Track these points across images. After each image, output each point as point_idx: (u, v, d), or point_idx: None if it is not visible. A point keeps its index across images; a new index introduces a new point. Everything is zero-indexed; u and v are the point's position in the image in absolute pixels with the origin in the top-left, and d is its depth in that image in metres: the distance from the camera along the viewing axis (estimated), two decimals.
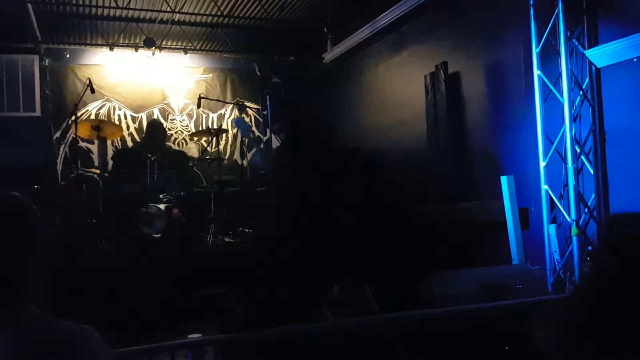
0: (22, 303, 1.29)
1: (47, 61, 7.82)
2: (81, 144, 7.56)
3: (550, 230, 4.44)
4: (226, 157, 8.40)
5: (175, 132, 8.42)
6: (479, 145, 5.50)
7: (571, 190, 4.30)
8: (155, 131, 7.28)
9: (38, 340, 1.24)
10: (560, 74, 4.38)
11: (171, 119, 8.41)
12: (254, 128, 8.78)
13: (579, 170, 4.38)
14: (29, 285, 1.32)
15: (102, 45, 7.68)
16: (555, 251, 4.38)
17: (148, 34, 7.42)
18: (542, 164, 4.51)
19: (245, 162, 8.47)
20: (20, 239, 1.32)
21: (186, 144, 8.40)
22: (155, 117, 8.25)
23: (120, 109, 8.13)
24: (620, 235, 1.34)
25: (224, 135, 8.30)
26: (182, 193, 6.20)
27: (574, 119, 4.37)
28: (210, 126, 8.39)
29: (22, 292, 1.30)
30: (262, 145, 8.53)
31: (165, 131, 7.88)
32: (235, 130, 8.59)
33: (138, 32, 7.51)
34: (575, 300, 1.40)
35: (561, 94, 4.37)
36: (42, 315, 1.30)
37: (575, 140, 4.35)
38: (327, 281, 3.95)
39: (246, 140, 8.15)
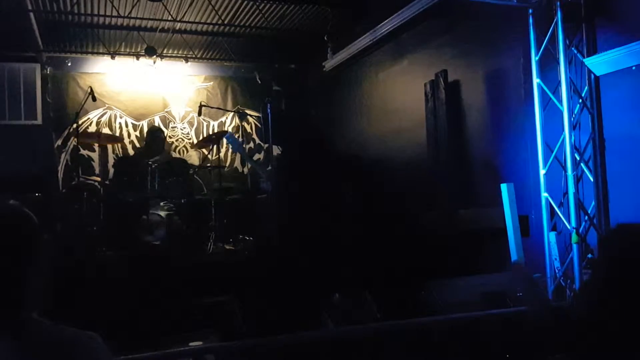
0: (24, 311, 1.30)
1: (48, 69, 7.85)
2: (82, 151, 7.56)
3: (550, 238, 4.45)
4: (227, 165, 8.41)
5: (176, 140, 8.43)
6: (479, 152, 5.51)
7: (571, 198, 4.31)
8: (155, 138, 7.32)
9: (42, 348, 1.24)
10: (559, 82, 4.40)
11: (172, 127, 8.43)
12: (254, 136, 8.80)
13: (578, 178, 4.39)
14: (30, 293, 1.32)
15: (103, 53, 7.71)
16: (556, 259, 4.39)
17: (149, 42, 7.45)
18: (542, 171, 4.53)
19: (245, 170, 8.48)
20: (19, 248, 1.32)
21: (187, 151, 8.41)
22: (157, 125, 8.27)
23: (121, 117, 8.15)
24: (622, 245, 1.36)
25: (225, 142, 8.32)
26: (182, 201, 6.20)
27: (573, 126, 4.39)
28: (211, 134, 8.41)
29: (24, 301, 1.30)
30: (259, 156, 8.55)
31: (165, 138, 7.90)
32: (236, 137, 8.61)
33: (139, 40, 7.54)
34: (577, 307, 1.42)
35: (560, 102, 4.39)
36: (44, 322, 1.31)
37: (575, 148, 4.37)
38: (328, 289, 3.95)
39: (238, 155, 8.20)
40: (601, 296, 1.36)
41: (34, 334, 1.27)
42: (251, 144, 8.76)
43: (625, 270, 1.33)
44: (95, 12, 6.80)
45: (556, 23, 4.39)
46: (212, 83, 8.69)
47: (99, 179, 7.22)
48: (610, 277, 1.36)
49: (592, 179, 4.31)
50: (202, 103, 7.39)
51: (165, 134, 8.15)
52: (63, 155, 7.78)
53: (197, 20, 7.14)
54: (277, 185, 5.76)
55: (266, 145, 8.61)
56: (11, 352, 1.22)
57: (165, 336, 3.77)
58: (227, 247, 6.12)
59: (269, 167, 6.47)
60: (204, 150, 8.24)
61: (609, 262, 1.40)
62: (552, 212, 4.51)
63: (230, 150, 8.60)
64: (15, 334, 1.25)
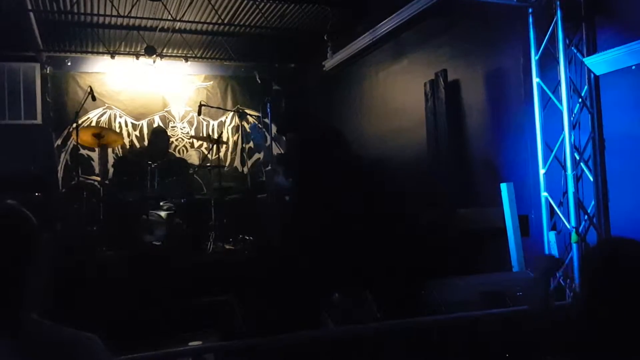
0: (23, 312, 1.29)
1: (48, 69, 7.85)
2: (82, 151, 7.57)
3: (550, 238, 4.45)
4: (227, 165, 8.42)
5: (176, 140, 8.43)
6: (479, 152, 5.51)
7: (571, 198, 4.31)
8: (159, 138, 7.32)
9: (41, 348, 1.24)
10: (559, 81, 4.40)
11: (172, 127, 8.43)
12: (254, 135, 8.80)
13: (578, 178, 4.39)
14: (29, 293, 1.32)
15: (103, 53, 7.71)
16: None
17: (149, 42, 7.45)
18: (542, 171, 4.53)
19: (245, 170, 8.48)
20: (17, 248, 1.32)
21: (187, 151, 8.42)
22: (156, 124, 8.27)
23: (121, 117, 8.15)
24: (610, 257, 1.37)
25: (225, 141, 8.32)
26: (182, 200, 6.20)
27: (573, 126, 4.39)
28: (210, 133, 8.42)
29: (22, 301, 1.30)
30: (259, 155, 8.56)
31: (169, 138, 7.91)
32: (235, 137, 8.62)
33: (139, 40, 7.54)
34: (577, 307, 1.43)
35: (560, 102, 4.39)
36: (43, 323, 1.31)
37: (574, 148, 4.37)
38: (328, 288, 3.95)
39: (258, 144, 8.20)
40: (591, 302, 1.37)
41: (33, 334, 1.27)
42: (251, 144, 8.76)
43: (613, 279, 1.34)
44: (95, 11, 6.80)
45: (556, 22, 4.39)
46: (211, 82, 8.69)
47: (98, 178, 7.23)
48: (598, 285, 1.37)
49: (591, 179, 4.31)
50: (202, 102, 7.39)
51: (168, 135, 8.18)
52: (63, 154, 7.78)
53: (196, 20, 7.14)
54: (277, 184, 5.75)
55: (266, 144, 8.62)
56: (10, 352, 1.22)
57: (165, 336, 3.77)
58: (227, 246, 6.13)
59: (269, 167, 6.46)
60: (203, 149, 8.24)
61: (600, 271, 1.41)
62: (551, 212, 4.51)
63: (230, 149, 8.61)
64: (14, 334, 1.24)
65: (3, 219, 1.34)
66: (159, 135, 7.29)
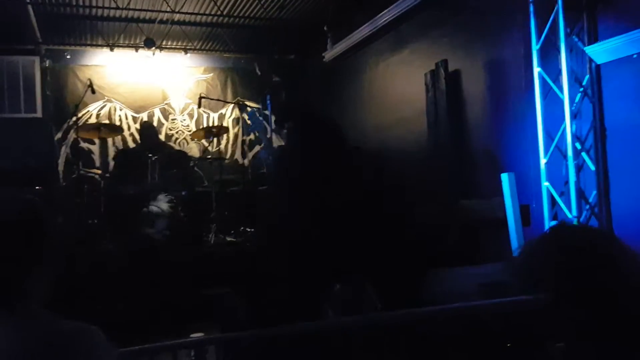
0: (29, 303, 1.30)
1: (47, 62, 7.83)
2: (82, 144, 7.57)
3: None
4: (227, 157, 8.41)
5: (176, 132, 8.42)
6: (480, 142, 5.50)
7: (572, 187, 4.30)
8: (147, 133, 7.31)
9: (43, 340, 1.25)
10: (560, 70, 4.38)
11: (172, 119, 8.42)
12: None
13: (579, 167, 4.38)
14: (38, 285, 1.33)
15: (102, 45, 7.70)
16: None
17: (148, 34, 7.43)
18: (543, 160, 4.51)
19: (246, 162, 8.49)
20: (35, 243, 1.33)
21: (187, 143, 8.41)
22: (156, 117, 8.26)
23: (121, 110, 8.14)
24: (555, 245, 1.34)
25: (225, 134, 8.31)
26: (183, 193, 6.21)
27: (574, 115, 4.37)
28: (211, 126, 8.41)
29: (30, 293, 1.31)
30: (259, 147, 8.56)
31: (156, 130, 7.89)
32: (236, 129, 8.61)
33: (138, 32, 7.52)
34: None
35: (561, 91, 4.37)
36: (46, 315, 1.31)
37: (575, 137, 4.35)
38: (328, 279, 3.96)
39: (258, 133, 8.23)
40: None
41: (37, 326, 1.27)
42: (252, 136, 8.76)
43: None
44: (94, 3, 6.78)
45: (557, 11, 4.35)
46: (211, 75, 8.66)
47: (99, 171, 7.22)
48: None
49: (593, 168, 4.30)
50: (202, 95, 7.38)
51: (165, 127, 8.18)
52: (63, 148, 7.78)
53: (195, 12, 7.11)
54: (278, 176, 5.74)
55: (267, 136, 8.61)
56: (15, 344, 1.23)
57: (166, 328, 3.78)
58: (229, 238, 6.15)
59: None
60: (204, 142, 8.24)
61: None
62: (553, 202, 4.50)
63: (230, 141, 8.60)
64: (16, 324, 1.25)
65: (27, 215, 1.35)
66: (147, 130, 7.30)
